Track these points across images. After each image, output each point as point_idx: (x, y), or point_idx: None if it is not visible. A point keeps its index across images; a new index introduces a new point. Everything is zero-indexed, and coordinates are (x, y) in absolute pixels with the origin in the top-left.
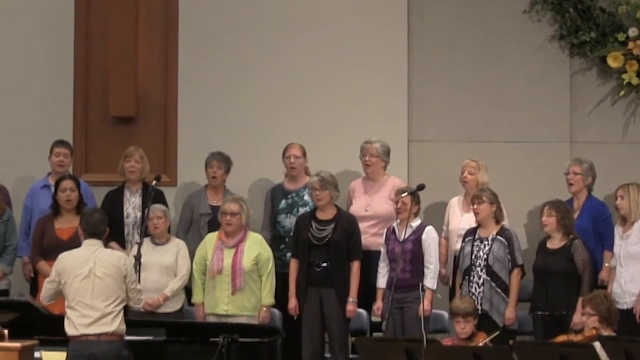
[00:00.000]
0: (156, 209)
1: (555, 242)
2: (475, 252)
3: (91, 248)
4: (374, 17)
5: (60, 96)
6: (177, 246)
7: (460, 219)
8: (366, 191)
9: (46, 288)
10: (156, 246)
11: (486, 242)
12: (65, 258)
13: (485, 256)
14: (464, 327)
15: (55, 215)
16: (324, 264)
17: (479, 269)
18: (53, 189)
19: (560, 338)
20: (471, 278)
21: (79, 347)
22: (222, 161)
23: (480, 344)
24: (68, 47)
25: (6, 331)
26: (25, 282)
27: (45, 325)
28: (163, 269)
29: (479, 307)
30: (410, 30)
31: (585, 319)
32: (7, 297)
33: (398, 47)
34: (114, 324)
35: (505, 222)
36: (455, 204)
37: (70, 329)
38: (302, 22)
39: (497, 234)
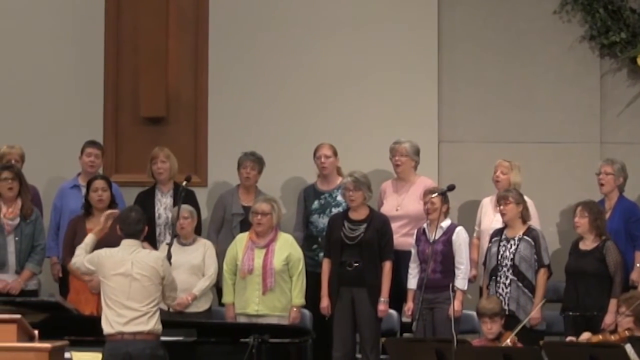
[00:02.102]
0: (183, 209)
1: (588, 243)
2: (501, 252)
3: (129, 249)
4: (404, 18)
5: (91, 97)
6: (204, 246)
7: (492, 218)
8: (397, 191)
9: (81, 261)
10: (183, 246)
11: (513, 242)
12: (103, 256)
13: (511, 256)
14: (490, 328)
15: (87, 215)
16: (356, 264)
17: (505, 269)
18: (83, 190)
19: (595, 338)
20: (498, 278)
21: (114, 346)
22: (255, 162)
23: (508, 341)
24: (98, 48)
25: (36, 332)
26: (54, 282)
27: (76, 326)
28: (191, 269)
29: (505, 307)
30: (441, 31)
31: (620, 319)
32: (36, 297)
33: (428, 47)
34: (150, 323)
35: (533, 222)
36: (487, 204)
37: (106, 327)
38: (333, 23)
39: (523, 234)
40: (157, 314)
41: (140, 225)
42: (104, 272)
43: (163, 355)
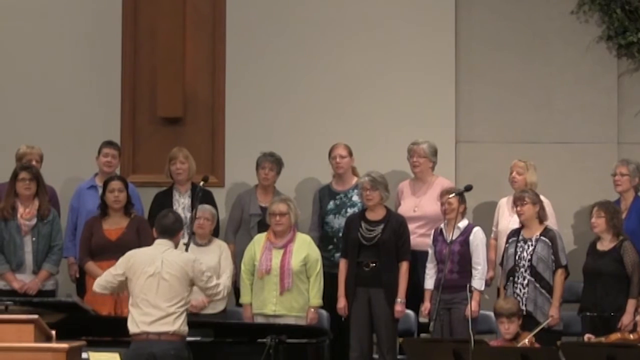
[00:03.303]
0: (205, 209)
1: (605, 244)
2: (519, 253)
3: (161, 248)
4: (421, 19)
5: (108, 97)
6: (219, 248)
7: (510, 219)
8: (414, 192)
9: (106, 277)
10: (198, 247)
11: (530, 243)
12: (134, 255)
13: (529, 257)
14: (508, 328)
15: (103, 216)
16: (373, 264)
17: (523, 269)
18: (100, 190)
19: (614, 337)
20: (515, 279)
21: (139, 346)
22: (274, 163)
23: (526, 341)
24: (116, 48)
25: (54, 332)
26: (72, 283)
27: (93, 326)
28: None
29: (523, 308)
30: (458, 32)
31: (638, 319)
32: (54, 297)
33: (445, 48)
34: (176, 324)
35: (550, 222)
36: (504, 204)
37: (132, 326)
38: (350, 23)
39: (540, 235)
40: (184, 315)
41: (176, 225)
42: (134, 270)
43: (187, 356)
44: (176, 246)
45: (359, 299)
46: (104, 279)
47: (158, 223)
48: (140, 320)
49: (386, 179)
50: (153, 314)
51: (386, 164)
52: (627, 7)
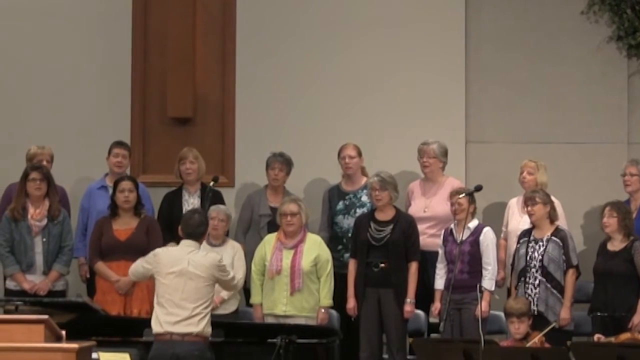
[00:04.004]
0: (220, 210)
1: (616, 244)
2: (530, 253)
3: (187, 249)
4: (431, 19)
5: (118, 97)
6: (233, 248)
7: (520, 219)
8: (425, 192)
9: (137, 268)
10: (212, 247)
11: (541, 243)
12: (161, 254)
13: (540, 257)
14: (518, 328)
15: (113, 216)
16: (382, 265)
17: (534, 270)
18: (110, 190)
19: (624, 336)
20: (526, 279)
21: (162, 346)
22: (284, 163)
23: (536, 340)
24: (126, 49)
25: (64, 332)
26: (82, 283)
27: (103, 326)
28: None
29: (534, 308)
30: (468, 32)
31: None
32: (64, 297)
33: (455, 48)
34: (200, 325)
35: (561, 222)
36: (514, 204)
37: (155, 326)
38: (359, 24)
39: (551, 235)
40: (208, 316)
41: (202, 227)
42: (160, 269)
43: (211, 357)
44: (200, 246)
45: (369, 300)
46: (135, 266)
47: (184, 224)
48: (165, 320)
49: (395, 179)
50: (178, 314)
51: (396, 164)
52: (638, 8)
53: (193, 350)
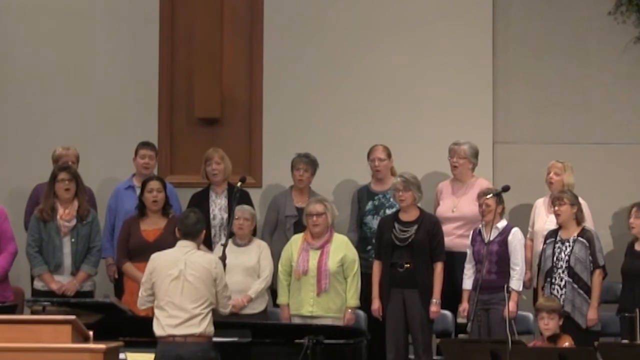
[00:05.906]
0: (245, 210)
1: None
2: (556, 254)
3: (184, 249)
4: (459, 20)
5: (146, 98)
6: (259, 247)
7: (546, 220)
8: (454, 192)
9: (140, 294)
10: (238, 247)
11: (567, 244)
12: (157, 258)
13: (566, 258)
14: (547, 324)
15: (141, 216)
16: (407, 265)
17: (560, 270)
18: (138, 191)
19: None
20: (553, 280)
21: (166, 348)
22: (308, 164)
23: (566, 344)
24: (153, 50)
25: (91, 332)
26: (110, 283)
27: (131, 327)
28: (246, 271)
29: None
30: (495, 32)
31: None
32: (92, 298)
33: (483, 49)
34: (202, 325)
35: (587, 223)
36: (540, 205)
37: (157, 330)
38: (387, 25)
39: (578, 235)
40: (209, 316)
41: (198, 226)
42: (157, 272)
43: (215, 357)
44: (199, 246)
45: (394, 300)
46: (139, 297)
47: (181, 223)
48: (166, 323)
49: (419, 180)
50: (179, 316)
51: (423, 165)
52: None
53: (196, 351)
